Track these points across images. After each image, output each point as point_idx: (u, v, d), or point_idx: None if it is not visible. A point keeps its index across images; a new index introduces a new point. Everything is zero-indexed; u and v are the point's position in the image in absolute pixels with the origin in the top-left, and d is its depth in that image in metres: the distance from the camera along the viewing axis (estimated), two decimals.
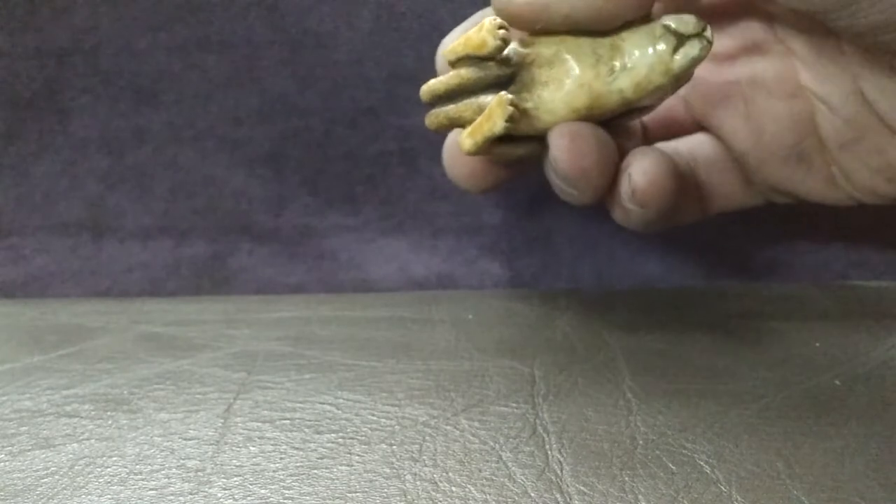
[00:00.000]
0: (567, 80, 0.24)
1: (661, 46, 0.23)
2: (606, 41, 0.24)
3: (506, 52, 0.24)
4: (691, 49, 0.23)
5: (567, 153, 0.24)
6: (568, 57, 0.24)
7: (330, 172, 0.34)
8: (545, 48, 0.24)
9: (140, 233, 0.34)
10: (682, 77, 0.24)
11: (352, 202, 0.34)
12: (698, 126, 0.28)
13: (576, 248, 0.34)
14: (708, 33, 0.23)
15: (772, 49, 0.26)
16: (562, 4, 0.23)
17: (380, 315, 0.30)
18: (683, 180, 0.26)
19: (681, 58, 0.23)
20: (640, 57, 0.23)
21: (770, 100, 0.26)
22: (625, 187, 0.24)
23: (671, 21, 0.23)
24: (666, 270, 0.34)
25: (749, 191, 0.28)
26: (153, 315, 0.30)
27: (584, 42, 0.24)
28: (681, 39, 0.23)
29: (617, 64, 0.24)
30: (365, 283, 0.34)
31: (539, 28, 0.24)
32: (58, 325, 0.29)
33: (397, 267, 0.34)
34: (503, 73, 0.24)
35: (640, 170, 0.24)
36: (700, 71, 0.27)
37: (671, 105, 0.28)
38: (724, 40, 0.27)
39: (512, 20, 0.24)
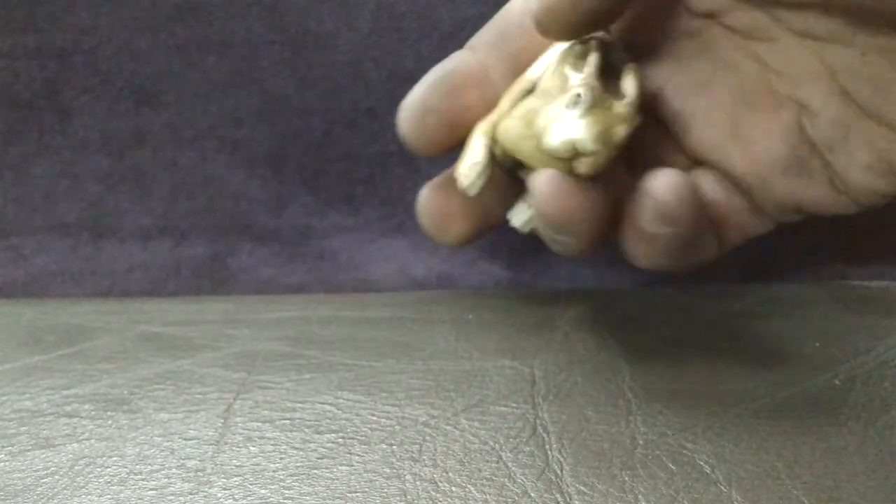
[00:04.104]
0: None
1: (543, 139, 0.22)
2: (542, 90, 0.24)
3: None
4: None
5: (551, 196, 0.22)
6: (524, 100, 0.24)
7: (330, 172, 0.34)
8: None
9: (140, 233, 0.34)
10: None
11: (352, 202, 0.34)
12: (691, 161, 0.27)
13: None
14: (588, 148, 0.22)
15: (742, 65, 0.26)
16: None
17: (380, 315, 0.30)
18: (704, 203, 0.25)
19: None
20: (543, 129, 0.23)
21: (755, 114, 0.26)
22: (646, 209, 0.22)
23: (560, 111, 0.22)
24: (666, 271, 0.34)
25: (757, 216, 0.27)
26: (153, 315, 0.30)
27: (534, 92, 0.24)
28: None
29: (539, 124, 0.23)
30: (365, 283, 0.34)
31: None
32: (58, 325, 0.29)
33: (397, 267, 0.34)
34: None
35: (663, 183, 0.22)
36: (678, 103, 0.27)
37: (658, 145, 0.27)
38: (695, 65, 0.26)
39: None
